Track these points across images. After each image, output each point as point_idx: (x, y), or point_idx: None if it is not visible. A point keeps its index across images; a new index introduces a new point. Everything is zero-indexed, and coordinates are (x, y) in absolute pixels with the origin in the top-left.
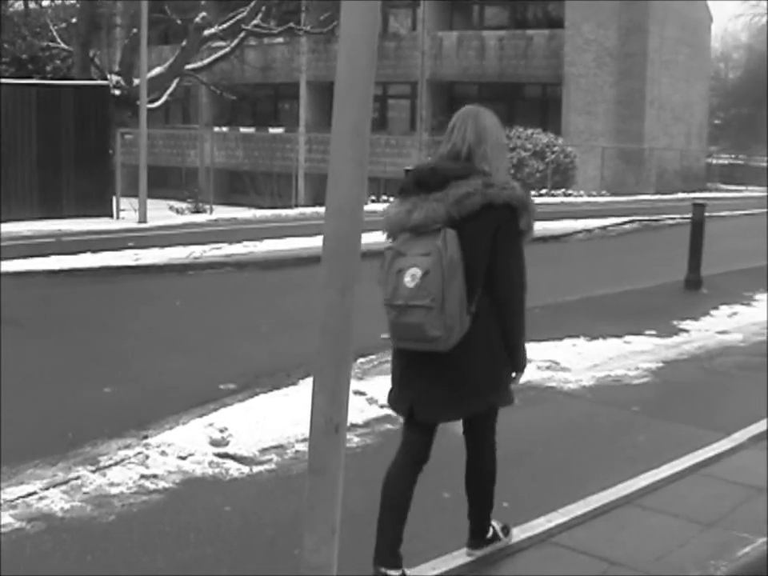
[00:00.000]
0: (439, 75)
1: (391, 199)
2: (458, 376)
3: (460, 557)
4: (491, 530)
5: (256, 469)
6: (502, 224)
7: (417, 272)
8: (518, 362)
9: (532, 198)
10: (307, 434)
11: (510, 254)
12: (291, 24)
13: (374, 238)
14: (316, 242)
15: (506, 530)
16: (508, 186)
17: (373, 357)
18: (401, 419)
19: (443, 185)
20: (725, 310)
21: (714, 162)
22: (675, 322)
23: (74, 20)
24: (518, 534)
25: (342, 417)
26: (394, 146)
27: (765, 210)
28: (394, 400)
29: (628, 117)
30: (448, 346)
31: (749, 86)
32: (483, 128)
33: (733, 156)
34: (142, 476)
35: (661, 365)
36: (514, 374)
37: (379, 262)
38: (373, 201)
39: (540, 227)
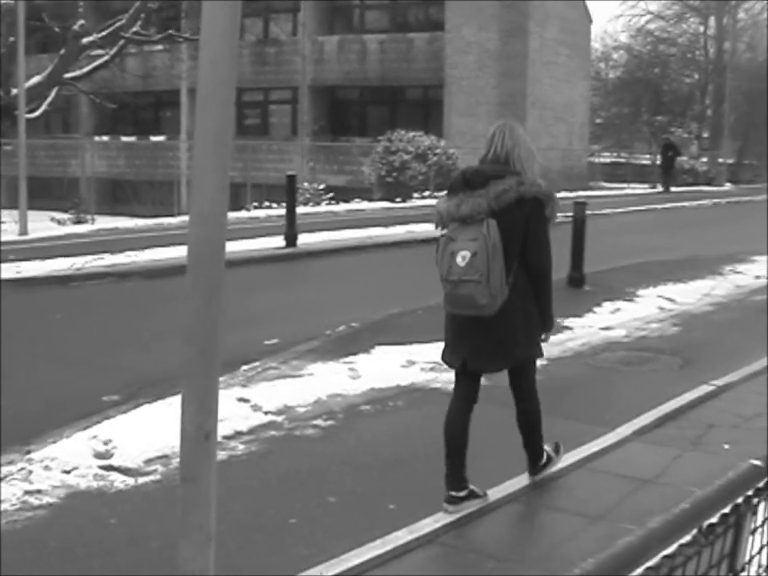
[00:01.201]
0: (321, 80)
1: (273, 205)
2: (501, 335)
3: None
4: (545, 456)
5: (141, 480)
6: (532, 214)
7: (467, 254)
8: (548, 322)
9: (555, 193)
10: None
11: (539, 237)
12: (171, 31)
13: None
14: None
15: (557, 449)
16: (536, 183)
17: (256, 363)
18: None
19: (485, 183)
20: (608, 306)
21: (597, 160)
22: (559, 320)
23: None
24: (405, 535)
25: (212, 424)
26: (276, 151)
27: (645, 207)
28: (448, 356)
29: (510, 117)
30: (492, 311)
31: (629, 85)
32: (516, 137)
33: (615, 154)
34: (26, 492)
35: (545, 362)
36: (543, 335)
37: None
38: (256, 207)
39: (423, 229)
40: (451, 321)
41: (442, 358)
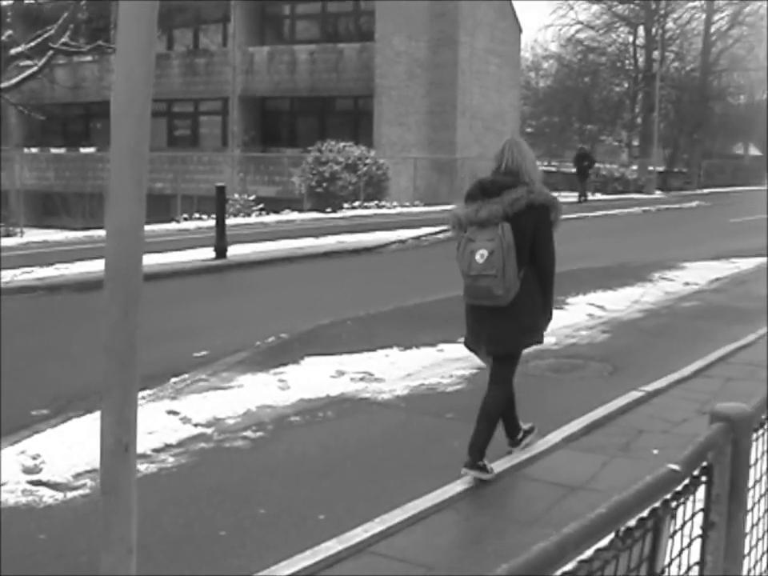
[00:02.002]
0: (251, 90)
1: (204, 216)
2: (513, 322)
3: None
4: (521, 432)
5: (70, 494)
6: (540, 218)
7: (485, 252)
8: (550, 313)
9: (558, 200)
10: None
11: (546, 238)
12: (100, 42)
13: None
14: None
15: (531, 429)
16: (543, 192)
17: (186, 376)
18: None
19: (499, 192)
20: None
21: None
22: None
23: None
24: (336, 545)
25: (132, 436)
26: (207, 162)
27: (576, 215)
28: (470, 343)
29: (440, 127)
30: (506, 301)
31: (559, 94)
32: (524, 152)
33: (545, 163)
34: None
35: (475, 371)
36: (544, 323)
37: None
38: (186, 219)
39: (353, 240)
40: (470, 310)
41: (465, 344)
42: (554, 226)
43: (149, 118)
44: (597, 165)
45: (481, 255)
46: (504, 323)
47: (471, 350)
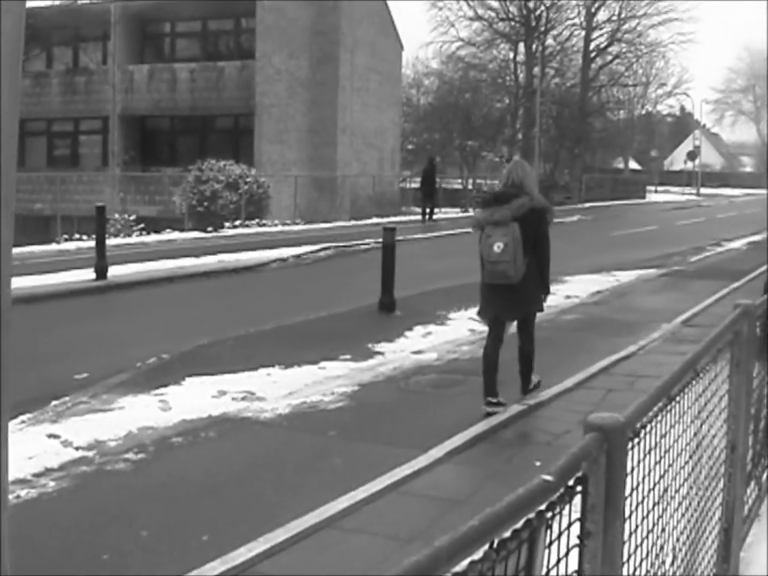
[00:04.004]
0: (131, 109)
1: (84, 237)
2: (521, 295)
3: None
4: (532, 382)
5: None
6: (540, 219)
7: (501, 244)
8: (547, 288)
9: (551, 205)
10: None
11: (544, 234)
12: None
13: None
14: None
15: (539, 383)
16: (541, 200)
17: (66, 398)
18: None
19: (509, 200)
20: (419, 330)
21: (408, 186)
22: (370, 345)
23: None
24: (219, 566)
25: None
26: (87, 182)
27: (458, 231)
28: (483, 312)
29: (320, 144)
30: (517, 280)
31: (440, 110)
32: (525, 171)
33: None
34: None
35: (356, 388)
36: (543, 296)
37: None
38: (66, 239)
39: (234, 258)
40: (488, 288)
41: (477, 314)
42: (549, 224)
43: (16, 139)
44: (478, 181)
45: (498, 247)
46: (515, 296)
47: (483, 317)
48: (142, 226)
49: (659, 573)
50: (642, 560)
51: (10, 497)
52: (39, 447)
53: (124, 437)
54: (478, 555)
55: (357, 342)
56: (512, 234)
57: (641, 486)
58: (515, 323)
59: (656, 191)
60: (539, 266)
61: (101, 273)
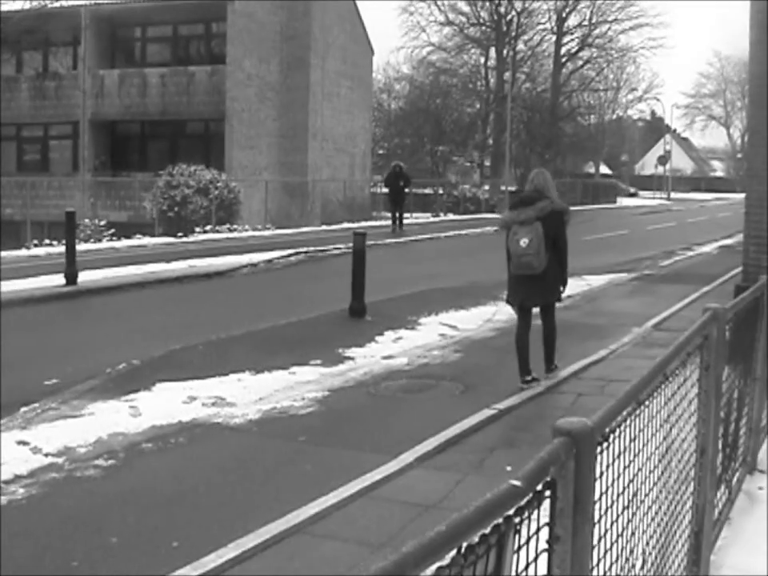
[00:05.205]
0: (101, 114)
1: (54, 242)
2: (542, 285)
3: None
4: (554, 365)
5: None
6: (559, 219)
7: (526, 240)
8: (565, 281)
9: (569, 207)
10: None
11: (562, 232)
12: None
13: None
14: None
15: (556, 366)
16: (560, 203)
17: (36, 405)
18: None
19: (532, 203)
20: (390, 335)
21: (379, 191)
22: (340, 350)
23: None
24: (189, 572)
25: None
26: (57, 187)
27: (430, 236)
28: (511, 299)
29: (291, 150)
30: (539, 271)
31: (411, 115)
32: (546, 178)
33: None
34: None
35: (327, 393)
36: (562, 287)
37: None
38: (36, 245)
39: (204, 263)
40: (515, 278)
41: (507, 301)
42: (567, 224)
43: None
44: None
45: (524, 242)
46: (537, 285)
47: (510, 304)
48: (113, 231)
49: None
50: (611, 564)
51: None
52: (8, 454)
53: (94, 443)
54: (446, 561)
55: (327, 347)
56: (536, 231)
57: (610, 490)
58: (516, 324)
59: (630, 195)
60: (558, 261)
61: (71, 278)
